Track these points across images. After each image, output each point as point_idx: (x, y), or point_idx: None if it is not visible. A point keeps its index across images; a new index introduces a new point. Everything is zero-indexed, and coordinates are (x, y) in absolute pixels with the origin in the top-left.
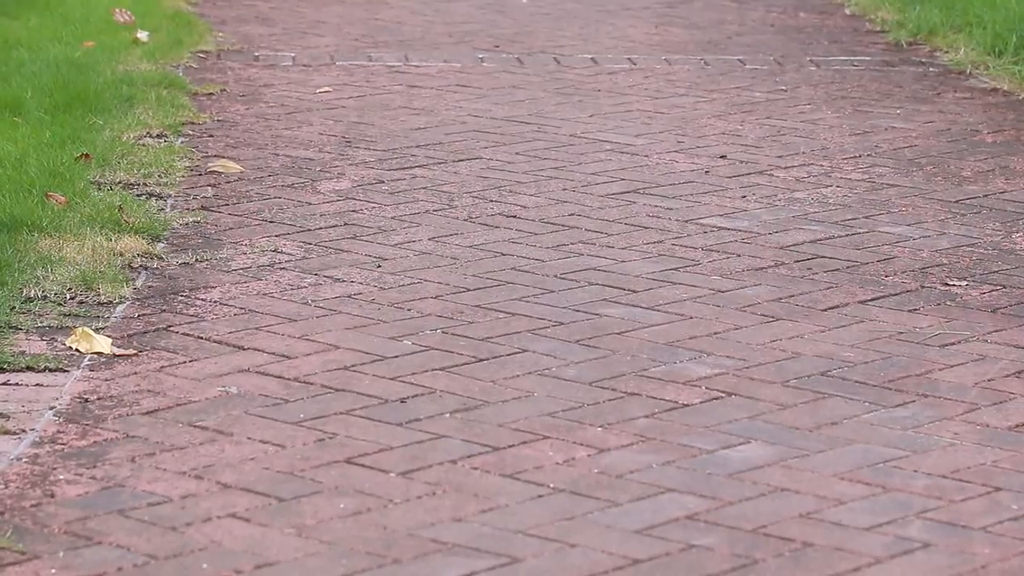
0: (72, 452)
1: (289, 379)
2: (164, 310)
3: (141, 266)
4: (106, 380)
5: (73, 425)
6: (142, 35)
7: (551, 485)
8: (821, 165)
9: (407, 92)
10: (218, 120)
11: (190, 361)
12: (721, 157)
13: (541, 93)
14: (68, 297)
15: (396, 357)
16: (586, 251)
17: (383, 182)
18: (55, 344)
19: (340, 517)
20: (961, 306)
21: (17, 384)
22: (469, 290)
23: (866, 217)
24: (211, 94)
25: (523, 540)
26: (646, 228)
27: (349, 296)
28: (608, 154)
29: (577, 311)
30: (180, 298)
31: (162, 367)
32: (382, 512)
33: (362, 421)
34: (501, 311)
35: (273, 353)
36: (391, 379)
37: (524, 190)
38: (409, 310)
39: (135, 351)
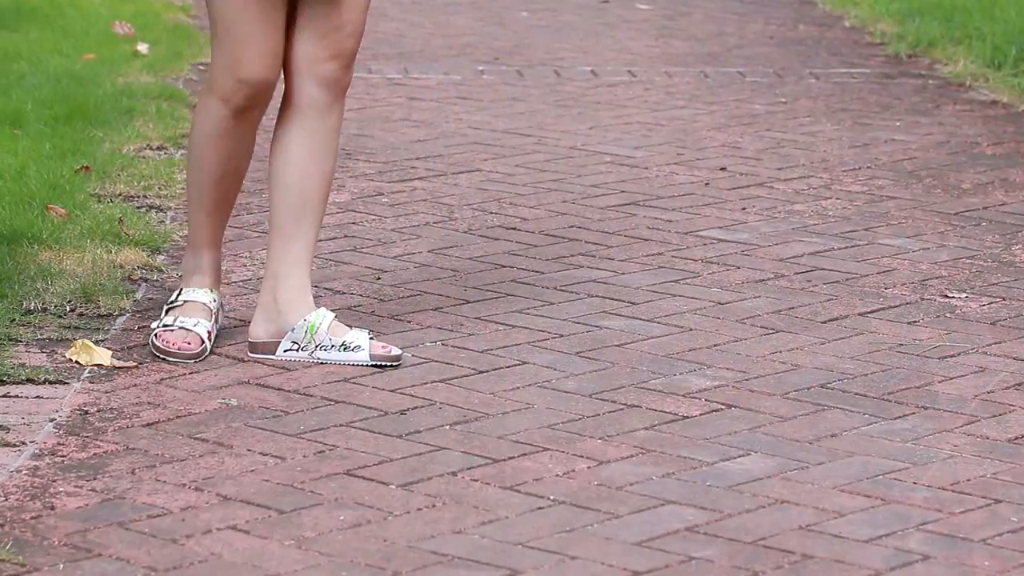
0: (72, 464)
1: (289, 391)
2: None
3: (141, 278)
4: (106, 392)
5: (73, 437)
6: (142, 47)
7: (551, 497)
8: (821, 177)
9: (407, 104)
10: None
11: (190, 373)
12: (721, 169)
13: (541, 105)
14: (68, 309)
15: (396, 369)
16: (586, 263)
17: (383, 194)
18: (55, 356)
19: (340, 529)
20: (960, 318)
21: (17, 396)
22: (469, 302)
23: (865, 229)
24: None
25: (523, 552)
26: (646, 240)
27: (349, 308)
28: (608, 166)
29: (577, 323)
30: None
31: (162, 379)
32: (382, 524)
33: (362, 433)
34: (501, 323)
35: (273, 365)
36: (391, 391)
37: (524, 202)
38: (409, 322)
39: (135, 363)
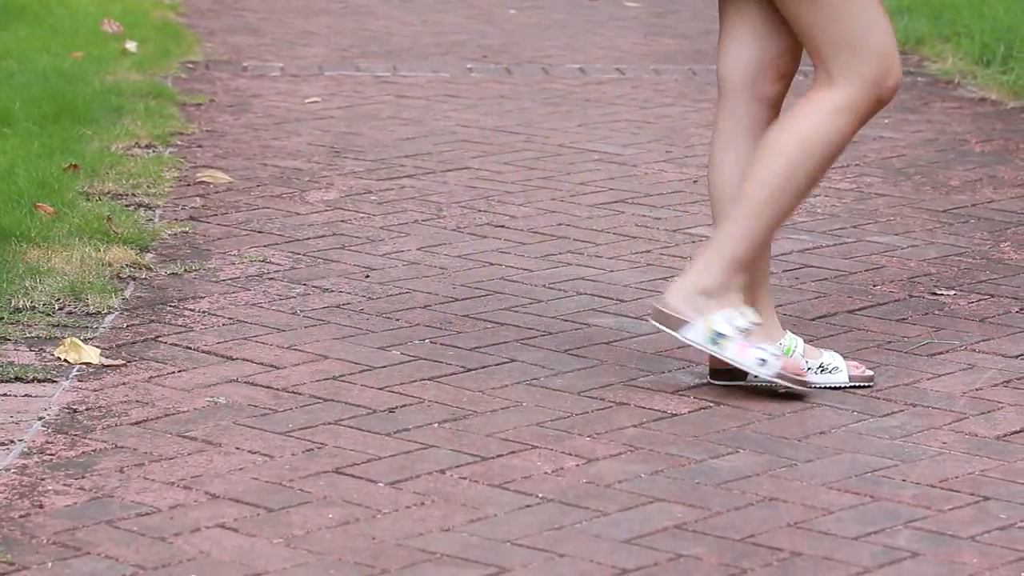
0: (60, 463)
1: (277, 389)
2: (152, 320)
3: (129, 276)
4: (94, 390)
5: (61, 436)
6: (130, 46)
7: (539, 495)
8: None
9: (395, 102)
10: (206, 130)
11: (178, 371)
12: None
13: (529, 103)
14: (56, 308)
15: (384, 367)
16: (574, 261)
17: (371, 192)
18: (43, 355)
19: (328, 527)
20: (949, 316)
21: (5, 395)
22: (457, 300)
23: (854, 227)
24: (199, 104)
25: (511, 550)
26: (634, 238)
27: (337, 306)
28: (596, 164)
29: (565, 321)
30: (168, 308)
31: (150, 377)
32: (370, 522)
33: (350, 431)
34: (489, 321)
35: (261, 363)
36: (379, 389)
37: (512, 200)
38: (397, 320)
39: (123, 361)
